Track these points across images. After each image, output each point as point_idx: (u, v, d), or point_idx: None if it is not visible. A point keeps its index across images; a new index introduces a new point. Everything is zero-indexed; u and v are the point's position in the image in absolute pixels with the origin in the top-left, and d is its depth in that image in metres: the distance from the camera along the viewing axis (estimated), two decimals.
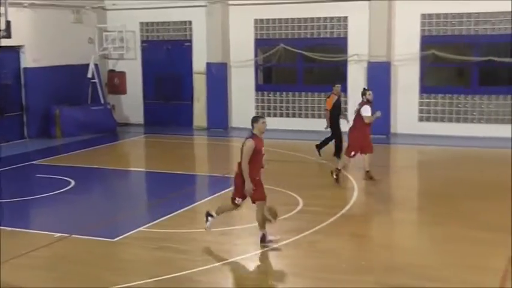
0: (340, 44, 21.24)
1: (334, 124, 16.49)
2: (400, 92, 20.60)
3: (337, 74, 21.37)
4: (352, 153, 13.85)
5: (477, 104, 20.05)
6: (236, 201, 9.79)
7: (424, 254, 9.48)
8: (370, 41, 20.63)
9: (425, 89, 20.67)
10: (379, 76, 20.15)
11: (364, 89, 14.48)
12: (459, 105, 20.24)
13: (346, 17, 21.10)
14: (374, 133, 19.29)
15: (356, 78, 20.95)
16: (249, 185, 9.44)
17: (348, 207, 11.93)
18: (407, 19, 20.33)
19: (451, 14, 19.97)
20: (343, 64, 21.29)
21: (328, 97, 16.70)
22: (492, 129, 19.72)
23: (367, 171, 13.99)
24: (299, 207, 11.77)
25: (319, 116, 21.53)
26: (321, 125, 20.90)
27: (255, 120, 9.77)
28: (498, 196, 12.65)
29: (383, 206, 12.47)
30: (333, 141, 16.60)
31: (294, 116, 22.09)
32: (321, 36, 21.51)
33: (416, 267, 8.84)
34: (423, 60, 20.45)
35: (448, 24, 20.11)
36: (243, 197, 9.70)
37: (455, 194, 12.94)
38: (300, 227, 10.34)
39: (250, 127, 9.76)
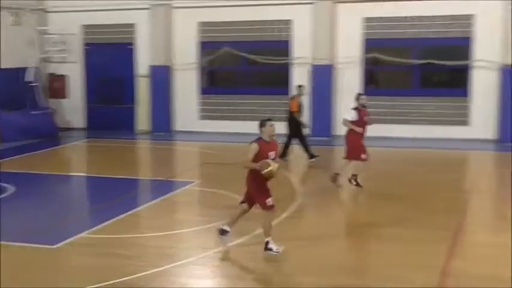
0: (284, 47, 21.34)
1: (295, 126, 16.38)
2: (343, 95, 20.82)
3: (281, 77, 21.48)
4: (363, 156, 13.51)
5: (418, 105, 20.43)
6: (268, 203, 9.23)
7: (365, 254, 9.58)
8: (313, 44, 20.81)
9: (368, 91, 20.90)
10: (323, 79, 20.36)
11: (357, 93, 14.15)
12: (401, 107, 20.58)
13: (290, 20, 21.23)
14: (316, 135, 19.69)
15: (300, 81, 21.05)
16: (259, 165, 9.01)
17: (291, 209, 11.96)
18: (350, 22, 20.60)
19: (393, 17, 20.32)
20: (287, 67, 21.41)
21: (292, 99, 16.61)
22: (433, 130, 20.14)
23: (337, 173, 13.75)
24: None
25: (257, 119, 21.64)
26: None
27: (262, 124, 9.31)
28: (437, 195, 12.92)
29: (325, 208, 12.55)
30: (286, 141, 16.52)
31: (238, 119, 22.06)
32: (265, 39, 21.58)
33: (358, 267, 8.93)
34: (365, 63, 20.75)
35: (390, 27, 20.44)
36: (269, 196, 9.27)
37: (396, 194, 13.14)
38: (243, 229, 10.30)
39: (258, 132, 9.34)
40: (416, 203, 12.35)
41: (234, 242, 9.81)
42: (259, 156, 9.10)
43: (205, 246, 9.68)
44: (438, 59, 19.89)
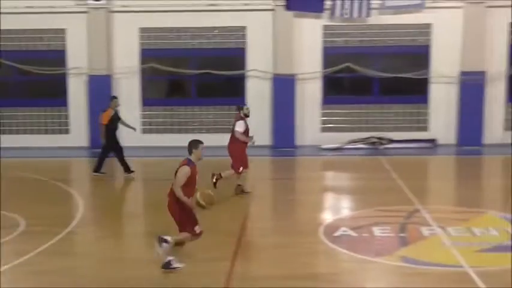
0: (58, 57, 20.63)
1: (111, 139, 15.71)
2: (123, 105, 20.60)
3: (58, 87, 20.77)
4: (241, 168, 13.45)
5: (197, 114, 20.85)
6: (197, 230, 8.92)
7: (144, 264, 9.39)
8: (89, 54, 20.37)
9: (146, 101, 20.96)
10: (101, 89, 19.94)
11: (238, 105, 13.98)
12: (180, 117, 20.86)
13: (64, 29, 20.60)
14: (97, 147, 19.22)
15: (77, 92, 20.60)
16: (189, 204, 8.71)
17: (73, 224, 11.56)
18: (127, 32, 20.50)
19: (169, 28, 20.54)
20: (63, 77, 20.72)
21: (104, 111, 15.81)
22: (211, 138, 20.56)
23: (239, 185, 13.65)
24: (20, 229, 11.11)
25: (33, 132, 20.84)
26: (42, 141, 20.26)
27: (194, 145, 8.82)
28: (218, 201, 13.23)
29: (105, 220, 12.28)
30: (117, 159, 15.93)
31: (11, 132, 20.93)
32: (39, 48, 20.71)
33: (136, 278, 8.79)
34: (143, 73, 20.75)
35: (167, 38, 20.64)
36: (197, 223, 8.95)
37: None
38: (21, 249, 9.76)
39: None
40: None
41: (13, 263, 9.25)
42: (189, 181, 8.69)
43: None
44: (215, 69, 20.45)
